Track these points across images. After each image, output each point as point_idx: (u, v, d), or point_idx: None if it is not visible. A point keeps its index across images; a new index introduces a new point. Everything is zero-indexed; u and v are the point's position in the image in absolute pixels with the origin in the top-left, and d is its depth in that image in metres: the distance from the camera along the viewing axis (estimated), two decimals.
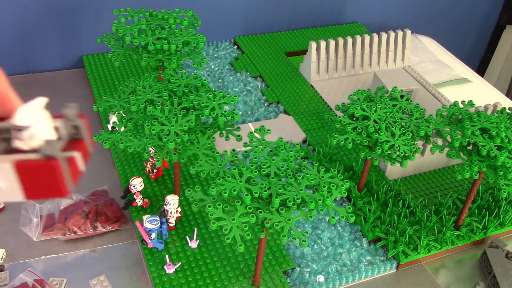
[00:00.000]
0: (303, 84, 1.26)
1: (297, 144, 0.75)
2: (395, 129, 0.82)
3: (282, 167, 0.68)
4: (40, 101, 0.28)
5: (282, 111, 1.17)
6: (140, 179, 0.86)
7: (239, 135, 0.79)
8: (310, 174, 0.68)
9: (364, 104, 0.85)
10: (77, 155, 0.29)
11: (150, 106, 0.76)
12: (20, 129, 0.27)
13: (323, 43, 1.23)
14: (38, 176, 0.27)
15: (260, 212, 0.64)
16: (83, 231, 0.85)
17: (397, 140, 0.81)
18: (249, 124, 1.11)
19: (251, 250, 0.84)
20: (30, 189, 0.28)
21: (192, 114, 0.75)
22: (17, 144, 0.27)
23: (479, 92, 1.32)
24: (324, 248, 0.87)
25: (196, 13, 1.03)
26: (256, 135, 0.74)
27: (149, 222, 0.80)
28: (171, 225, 0.85)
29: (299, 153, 0.72)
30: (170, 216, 0.84)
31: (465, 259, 0.90)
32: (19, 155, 0.27)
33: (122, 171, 0.96)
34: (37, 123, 0.27)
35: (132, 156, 0.99)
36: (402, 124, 0.84)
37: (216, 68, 1.30)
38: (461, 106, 0.87)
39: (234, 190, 0.64)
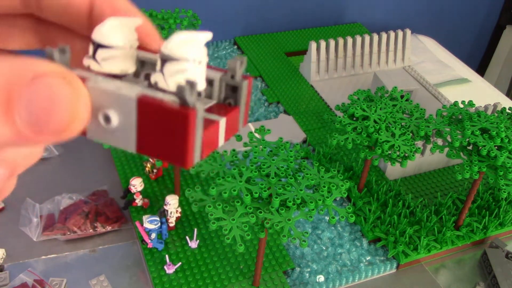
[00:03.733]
0: (303, 84, 1.26)
1: (297, 144, 0.75)
2: (395, 129, 0.82)
3: (282, 167, 0.68)
4: (205, 36, 0.20)
5: (282, 111, 1.17)
6: (140, 179, 0.86)
7: (239, 135, 0.79)
8: (310, 174, 0.68)
9: (364, 104, 0.85)
10: (221, 122, 0.21)
11: None
12: (166, 59, 0.20)
13: (323, 43, 1.23)
14: (162, 125, 0.20)
15: (260, 212, 0.64)
16: (83, 231, 0.85)
17: (397, 140, 0.81)
18: (249, 124, 1.11)
19: (251, 250, 0.84)
20: (146, 139, 0.20)
21: None
22: (154, 77, 0.21)
23: (479, 92, 1.32)
24: (324, 248, 0.87)
25: (196, 13, 1.03)
26: (256, 135, 0.74)
27: (149, 222, 0.80)
28: (171, 225, 0.85)
29: (299, 153, 0.72)
30: (170, 216, 0.84)
31: (465, 259, 0.90)
32: (151, 90, 0.20)
33: (122, 171, 0.96)
34: (190, 60, 0.20)
35: (132, 156, 0.99)
36: (402, 124, 0.84)
37: None
38: (461, 106, 0.87)
39: (234, 190, 0.64)
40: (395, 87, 0.90)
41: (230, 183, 0.65)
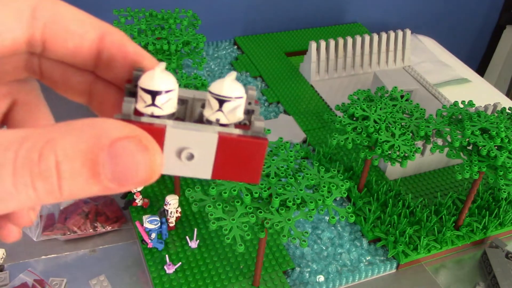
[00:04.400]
0: (303, 84, 1.26)
1: (297, 144, 0.75)
2: (395, 129, 0.82)
3: (282, 167, 0.68)
4: (235, 74, 0.25)
5: (282, 111, 1.17)
6: None
7: None
8: (310, 174, 0.68)
9: (364, 104, 0.85)
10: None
11: None
12: (223, 99, 0.25)
13: (323, 43, 1.23)
14: (239, 154, 0.25)
15: (260, 212, 0.64)
16: (83, 231, 0.85)
17: (397, 140, 0.81)
18: None
19: (251, 250, 0.84)
20: (222, 167, 0.25)
21: None
22: (214, 115, 0.25)
23: (479, 92, 1.32)
24: (324, 248, 0.87)
25: (196, 13, 1.03)
26: None
27: (149, 222, 0.80)
28: (171, 225, 0.85)
29: (299, 153, 0.72)
30: (170, 216, 0.84)
31: (465, 259, 0.90)
32: (217, 127, 0.25)
33: None
34: (240, 97, 0.25)
35: None
36: (402, 124, 0.84)
37: (216, 68, 1.30)
38: (461, 106, 0.87)
39: (234, 190, 0.64)
40: (395, 87, 0.90)
41: (230, 183, 0.65)
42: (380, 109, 0.85)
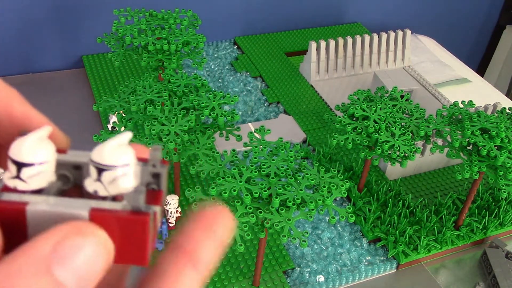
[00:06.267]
0: (303, 84, 1.26)
1: (297, 144, 0.75)
2: (395, 129, 0.82)
3: (282, 167, 0.68)
4: (127, 137, 0.21)
5: (282, 111, 1.17)
6: None
7: (239, 135, 0.79)
8: (310, 174, 0.68)
9: (364, 104, 0.85)
10: (158, 211, 0.22)
11: (150, 106, 0.76)
12: (102, 168, 0.21)
13: (323, 43, 1.23)
14: (121, 235, 0.20)
15: (260, 212, 0.64)
16: None
17: (397, 140, 0.81)
18: (249, 124, 1.11)
19: (251, 250, 0.84)
20: None
21: (192, 114, 0.75)
22: (92, 186, 0.21)
23: (479, 92, 1.32)
24: (324, 248, 0.87)
25: (196, 13, 1.03)
26: (256, 135, 0.74)
27: None
28: (171, 225, 0.85)
29: (299, 153, 0.72)
30: (170, 216, 0.84)
31: (465, 259, 0.90)
32: (94, 201, 0.21)
33: None
34: (124, 165, 0.21)
35: None
36: (402, 124, 0.84)
37: (216, 68, 1.30)
38: (461, 106, 0.87)
39: (234, 190, 0.64)
40: (395, 87, 0.90)
41: (230, 183, 0.65)
42: (380, 109, 0.85)
